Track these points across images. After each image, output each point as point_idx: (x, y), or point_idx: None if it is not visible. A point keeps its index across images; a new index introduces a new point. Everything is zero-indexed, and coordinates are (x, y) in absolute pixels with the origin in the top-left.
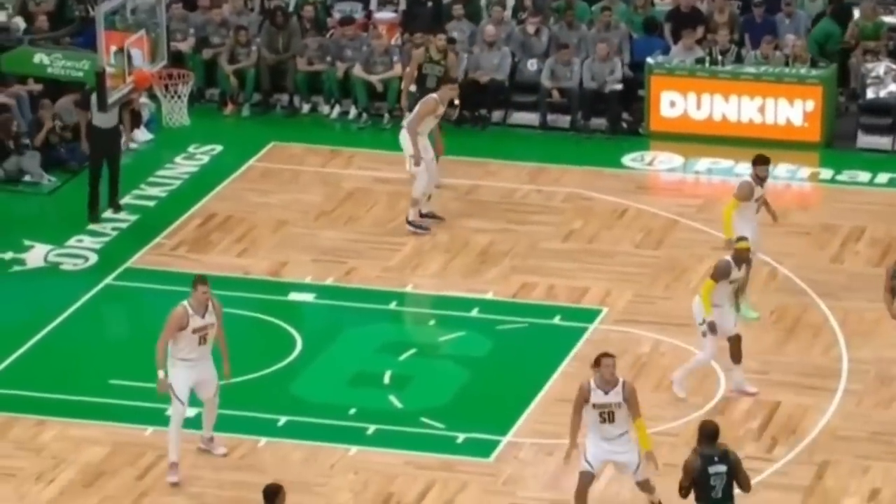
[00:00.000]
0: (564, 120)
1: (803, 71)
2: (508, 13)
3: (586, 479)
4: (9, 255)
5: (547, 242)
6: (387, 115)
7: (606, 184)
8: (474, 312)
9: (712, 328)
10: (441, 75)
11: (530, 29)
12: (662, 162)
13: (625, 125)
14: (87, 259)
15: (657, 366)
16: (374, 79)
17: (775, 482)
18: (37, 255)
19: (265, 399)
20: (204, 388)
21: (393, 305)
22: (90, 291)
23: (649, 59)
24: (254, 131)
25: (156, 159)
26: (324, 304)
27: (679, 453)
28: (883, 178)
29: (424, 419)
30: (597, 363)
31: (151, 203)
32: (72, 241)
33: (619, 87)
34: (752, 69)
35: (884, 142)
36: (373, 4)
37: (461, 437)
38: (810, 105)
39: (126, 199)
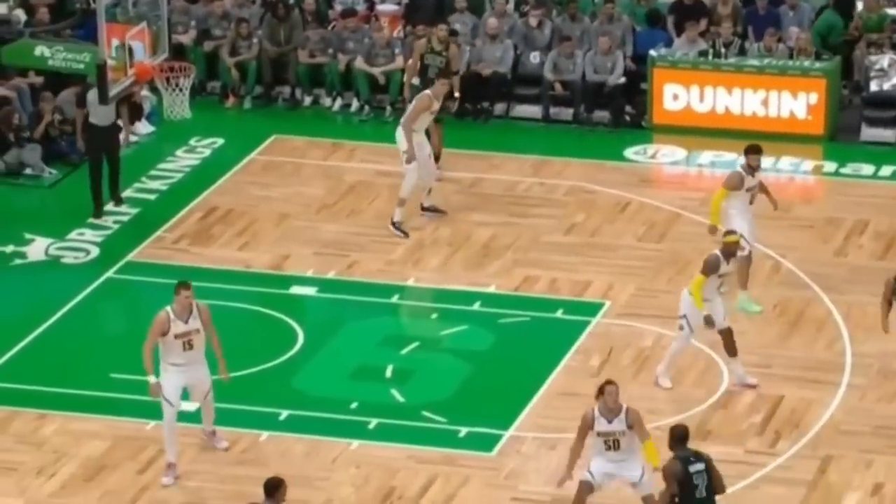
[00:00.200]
0: (567, 113)
1: (807, 63)
2: (511, 5)
3: (585, 488)
4: (10, 249)
5: (549, 236)
6: (389, 108)
7: (609, 177)
8: (476, 306)
9: (709, 322)
10: (443, 66)
11: (533, 21)
12: (665, 155)
13: (627, 118)
14: (88, 252)
15: (660, 360)
16: (376, 71)
17: (778, 477)
18: (38, 248)
19: (267, 393)
20: (196, 392)
21: (395, 299)
22: (91, 285)
23: (652, 52)
24: (255, 124)
25: (157, 152)
26: (325, 297)
27: None
28: (887, 170)
29: (426, 413)
30: (600, 391)
31: (153, 196)
32: (73, 235)
33: (622, 80)
34: (755, 62)
35: (887, 134)
36: None
37: (463, 431)
38: (814, 98)
39: (127, 193)
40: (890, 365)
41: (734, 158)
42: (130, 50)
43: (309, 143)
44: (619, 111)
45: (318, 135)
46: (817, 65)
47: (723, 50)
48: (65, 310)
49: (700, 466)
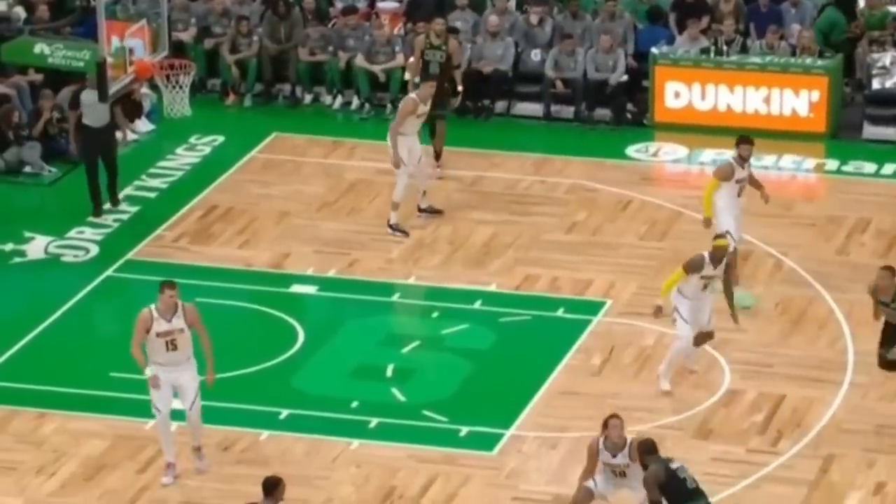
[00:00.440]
0: (568, 111)
1: (809, 61)
2: (512, 3)
3: (586, 493)
4: (9, 247)
5: (550, 234)
6: (389, 106)
7: (610, 175)
8: (477, 305)
9: (658, 312)
10: (443, 61)
11: (534, 19)
12: (667, 153)
13: (629, 116)
14: (87, 251)
15: (661, 358)
16: (376, 69)
17: (780, 476)
18: (37, 246)
19: (267, 392)
20: (182, 396)
21: (395, 297)
22: (91, 283)
23: (654, 50)
24: (255, 122)
25: (157, 150)
26: (326, 296)
27: (683, 447)
28: (889, 168)
29: (427, 412)
30: (605, 425)
31: (152, 194)
32: (72, 233)
33: (624, 78)
34: (757, 59)
35: (890, 132)
36: None
37: (464, 430)
38: (816, 95)
39: (127, 191)
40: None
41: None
42: (130, 48)
43: (309, 141)
44: (621, 109)
45: (318, 133)
46: (819, 62)
47: (724, 48)
48: (64, 308)
49: (679, 464)
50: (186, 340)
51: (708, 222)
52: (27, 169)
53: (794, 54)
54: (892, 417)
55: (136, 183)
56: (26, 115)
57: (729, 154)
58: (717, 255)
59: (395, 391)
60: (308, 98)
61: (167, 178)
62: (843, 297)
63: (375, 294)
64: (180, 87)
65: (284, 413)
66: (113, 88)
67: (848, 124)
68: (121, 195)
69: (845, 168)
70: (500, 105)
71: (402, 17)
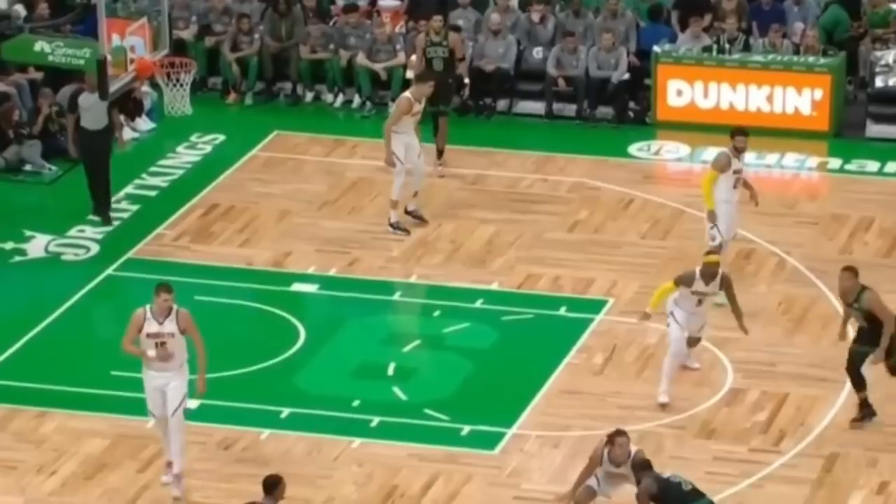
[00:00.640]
0: (570, 109)
1: (811, 59)
2: (514, 1)
3: (588, 492)
4: (9, 246)
5: (552, 233)
6: (391, 104)
7: (612, 173)
8: (479, 303)
9: (645, 317)
10: (446, 56)
11: (535, 17)
12: (669, 151)
13: (631, 114)
14: (88, 249)
15: (663, 357)
16: (377, 67)
17: (783, 475)
18: (38, 245)
19: (268, 391)
20: (167, 400)
21: (397, 296)
22: (91, 282)
23: (656, 48)
24: (257, 120)
25: (157, 149)
26: (327, 294)
27: (685, 446)
28: (892, 167)
29: (429, 411)
30: (611, 441)
31: (153, 193)
32: (73, 232)
33: (626, 76)
34: (759, 57)
35: (893, 131)
36: None
37: (466, 429)
38: (819, 94)
39: (128, 189)
40: None
41: None
42: (131, 46)
43: (310, 140)
44: (623, 107)
45: (319, 131)
46: (822, 61)
47: (727, 46)
48: (65, 307)
49: (671, 473)
50: (177, 346)
51: (712, 215)
52: (27, 167)
53: (797, 52)
54: (894, 416)
55: (137, 181)
56: (26, 113)
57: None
58: (709, 272)
59: (396, 390)
60: (309, 96)
61: (168, 176)
62: None
63: (377, 293)
64: (181, 86)
65: (285, 412)
66: (113, 87)
67: (851, 123)
68: (121, 193)
69: (848, 166)
70: (502, 103)
71: (403, 15)
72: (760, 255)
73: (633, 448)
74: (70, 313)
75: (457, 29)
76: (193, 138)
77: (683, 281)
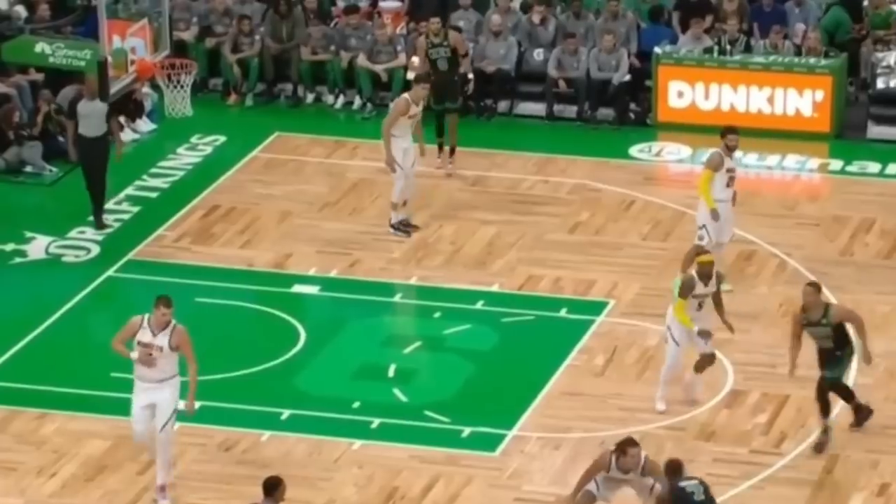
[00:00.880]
0: (571, 110)
1: (812, 61)
2: (516, 3)
3: (589, 496)
4: (10, 247)
5: (553, 234)
6: (391, 106)
7: (613, 175)
8: (479, 305)
9: (704, 335)
10: (449, 55)
11: (536, 18)
12: (670, 153)
13: (632, 116)
14: (88, 251)
15: (664, 360)
16: (378, 68)
17: (784, 476)
18: (38, 246)
19: (268, 392)
20: (156, 415)
21: (398, 298)
22: (92, 283)
23: (657, 49)
24: (257, 121)
25: (158, 150)
26: (328, 296)
27: (685, 448)
28: (893, 168)
29: (429, 413)
30: (622, 451)
31: (154, 194)
32: (73, 233)
33: (627, 77)
34: (761, 59)
35: (894, 132)
36: None
37: (466, 430)
38: (820, 95)
39: (128, 190)
40: None
41: (739, 156)
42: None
43: (311, 141)
44: (624, 109)
45: (320, 132)
46: (823, 62)
47: (728, 47)
48: (65, 309)
49: (693, 482)
50: (165, 360)
51: (715, 213)
52: (28, 169)
53: (798, 54)
54: (895, 418)
55: (138, 183)
56: (27, 114)
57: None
58: (705, 272)
59: (397, 392)
60: (310, 98)
61: (168, 177)
62: (847, 298)
63: (377, 294)
64: (182, 87)
65: (286, 413)
66: (114, 88)
67: (852, 124)
68: (122, 195)
69: (849, 168)
70: (503, 105)
71: (404, 17)
72: (761, 257)
73: (644, 454)
74: (70, 315)
75: (457, 30)
76: (194, 139)
77: (687, 290)
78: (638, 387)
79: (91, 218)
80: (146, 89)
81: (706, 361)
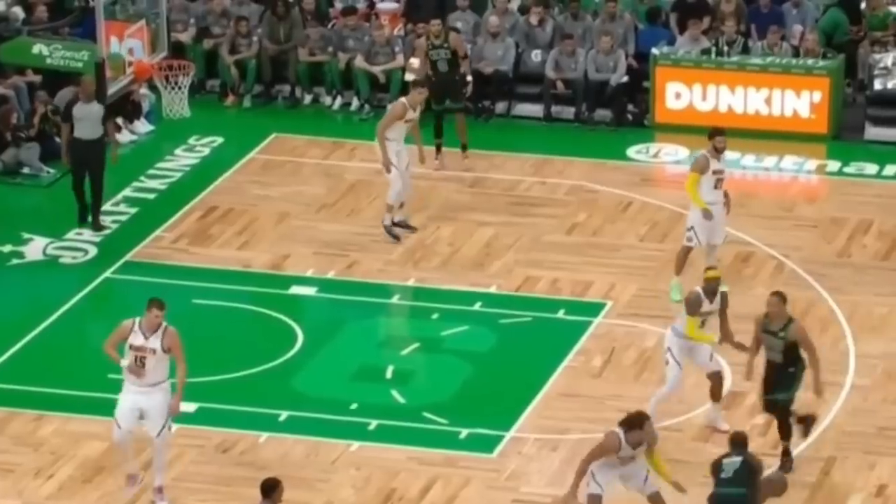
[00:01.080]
0: (569, 111)
1: (810, 62)
2: (514, 5)
3: (596, 501)
4: (7, 248)
5: (551, 235)
6: (389, 107)
7: (611, 176)
8: (477, 306)
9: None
10: (450, 57)
11: (534, 19)
12: (668, 154)
13: (629, 117)
14: (86, 252)
15: (662, 360)
16: (376, 70)
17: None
18: (35, 248)
19: (266, 394)
20: (148, 423)
21: (395, 299)
22: (89, 285)
23: (654, 50)
24: (255, 123)
25: (156, 151)
26: (325, 297)
27: (684, 449)
28: (891, 170)
29: (427, 414)
30: (640, 425)
31: (151, 196)
32: (71, 234)
33: (625, 79)
34: (758, 60)
35: (892, 133)
36: None
37: (464, 432)
38: (817, 96)
39: (126, 192)
40: (894, 366)
41: (737, 157)
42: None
43: (309, 142)
44: (621, 110)
45: (318, 133)
46: (821, 63)
47: (726, 48)
48: (63, 310)
49: (736, 459)
50: (157, 364)
51: (707, 213)
52: (25, 170)
53: (795, 55)
54: (893, 420)
55: (135, 184)
56: (24, 115)
57: (730, 155)
58: (711, 288)
59: (394, 393)
60: (308, 99)
61: (166, 179)
62: (844, 299)
63: (375, 295)
64: (179, 88)
65: (284, 415)
66: (112, 89)
67: (849, 125)
68: (119, 196)
69: (847, 169)
70: (501, 106)
71: (401, 18)
72: (759, 258)
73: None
74: (68, 316)
75: (454, 31)
76: (192, 141)
77: (693, 307)
78: (636, 388)
79: (89, 219)
80: (144, 91)
81: (717, 383)
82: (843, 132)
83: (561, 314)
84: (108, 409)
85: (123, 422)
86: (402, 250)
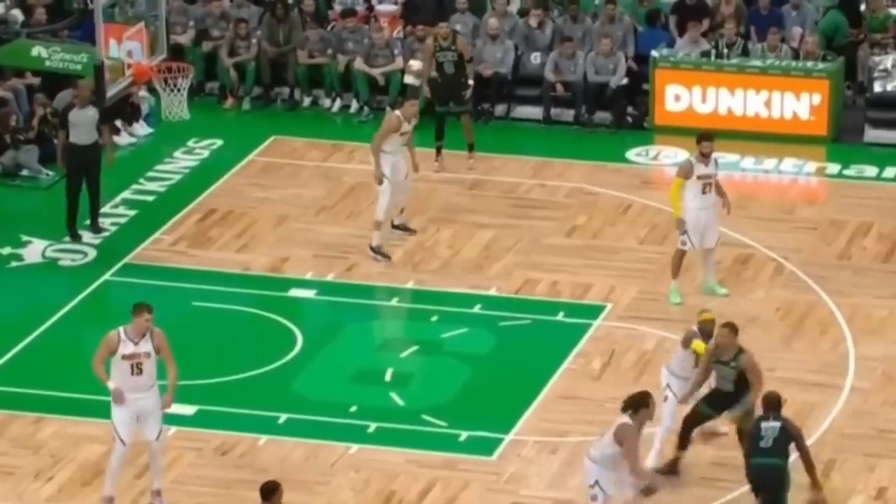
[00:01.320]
0: (568, 114)
1: (810, 64)
2: (514, 7)
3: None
4: (6, 251)
5: (550, 238)
6: (388, 109)
7: (611, 178)
8: (477, 309)
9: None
10: (456, 59)
11: (534, 22)
12: (667, 156)
13: (629, 119)
14: (85, 254)
15: (662, 363)
16: (375, 72)
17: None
18: (35, 250)
19: (265, 396)
20: (146, 426)
21: (395, 302)
22: (89, 287)
23: (654, 53)
24: (254, 125)
25: (155, 154)
26: (325, 300)
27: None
28: (890, 172)
29: (426, 417)
30: (645, 405)
31: (150, 198)
32: (70, 237)
33: (624, 81)
34: (758, 62)
35: (891, 136)
36: None
37: (463, 434)
38: (817, 99)
39: (125, 194)
40: (894, 368)
41: (737, 160)
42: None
43: (308, 145)
44: (621, 112)
45: (317, 136)
46: (820, 66)
47: (725, 50)
48: (62, 312)
49: (775, 424)
50: (152, 365)
51: (680, 223)
52: (24, 172)
53: (795, 57)
54: (893, 422)
55: (134, 187)
56: (23, 118)
57: (729, 158)
58: (706, 330)
59: (394, 396)
60: (307, 101)
61: (165, 181)
62: (844, 302)
63: (374, 298)
64: (178, 91)
65: (283, 417)
66: (111, 92)
67: (849, 128)
68: (118, 198)
69: (847, 172)
70: (500, 108)
71: (400, 20)
72: (758, 261)
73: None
74: (67, 319)
75: (455, 33)
76: (191, 143)
77: (687, 343)
78: (635, 390)
79: (78, 230)
80: (143, 93)
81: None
82: (843, 134)
83: (560, 316)
84: (107, 411)
85: (127, 436)
86: (402, 252)
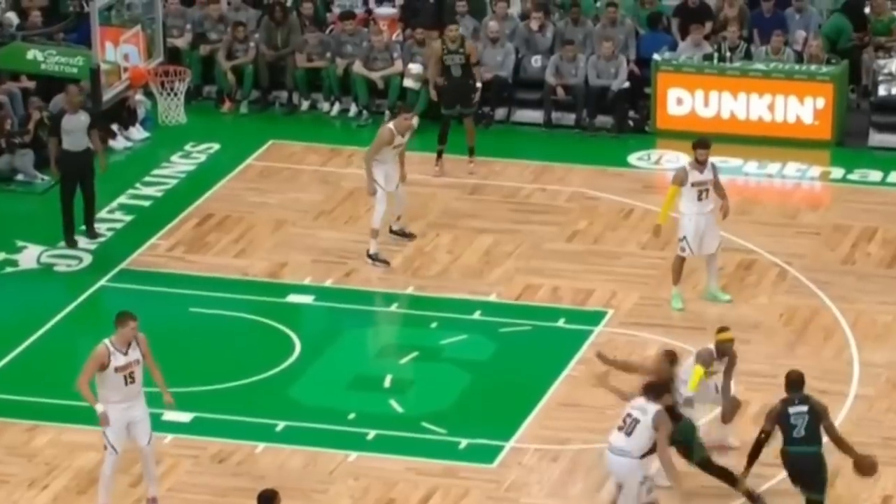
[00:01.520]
0: (569, 118)
1: (813, 68)
2: (515, 10)
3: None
4: (1, 256)
5: (551, 243)
6: (387, 113)
7: (612, 183)
8: (477, 315)
9: (689, 402)
10: (464, 63)
11: (534, 25)
12: (669, 161)
13: (631, 123)
14: (81, 260)
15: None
16: (374, 76)
17: (785, 489)
18: (30, 256)
19: (263, 403)
20: (137, 432)
21: (394, 307)
22: (84, 293)
23: (656, 56)
24: (252, 129)
25: (152, 158)
26: (323, 305)
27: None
28: (895, 177)
29: (426, 424)
30: (668, 389)
31: (147, 203)
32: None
33: (626, 85)
34: (761, 66)
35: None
36: (371, 1)
37: (463, 442)
38: (821, 102)
39: (121, 199)
40: None
41: (740, 164)
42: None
43: (306, 149)
44: (623, 116)
45: (315, 140)
46: (824, 69)
47: (728, 54)
48: (57, 319)
49: (802, 409)
50: (140, 372)
51: (658, 229)
52: (19, 177)
53: (799, 61)
54: None
55: (131, 191)
56: (18, 122)
57: (732, 162)
58: (722, 349)
59: (393, 402)
60: (305, 105)
61: (162, 186)
62: (848, 307)
63: (373, 304)
64: (175, 94)
65: (281, 425)
66: (107, 96)
67: (853, 132)
68: (115, 203)
69: (851, 176)
70: (501, 112)
71: (399, 23)
72: (762, 266)
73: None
74: (63, 325)
75: None
76: (188, 147)
77: (703, 361)
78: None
79: (74, 237)
80: (139, 97)
81: (730, 408)
82: (847, 139)
83: (561, 323)
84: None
85: (119, 443)
86: (401, 258)
